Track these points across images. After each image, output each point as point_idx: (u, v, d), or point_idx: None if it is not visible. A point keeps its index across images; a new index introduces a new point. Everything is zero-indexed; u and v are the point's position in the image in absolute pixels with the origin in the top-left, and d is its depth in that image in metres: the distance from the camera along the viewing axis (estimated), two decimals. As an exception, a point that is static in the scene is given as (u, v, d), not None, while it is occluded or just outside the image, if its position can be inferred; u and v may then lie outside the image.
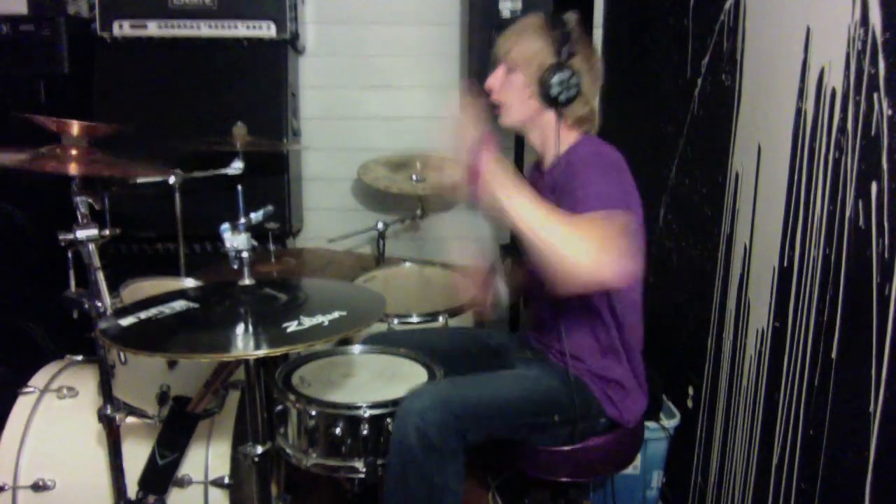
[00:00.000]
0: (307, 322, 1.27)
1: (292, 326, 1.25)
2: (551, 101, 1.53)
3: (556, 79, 1.50)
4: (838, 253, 1.31)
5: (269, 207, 1.42)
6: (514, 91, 1.58)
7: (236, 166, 2.26)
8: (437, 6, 2.95)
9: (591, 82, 1.57)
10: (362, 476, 1.46)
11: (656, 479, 2.11)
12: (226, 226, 1.36)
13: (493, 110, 1.63)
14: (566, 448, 1.58)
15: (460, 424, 1.41)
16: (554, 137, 1.58)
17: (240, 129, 2.27)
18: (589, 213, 1.34)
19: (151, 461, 1.62)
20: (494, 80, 1.61)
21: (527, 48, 1.55)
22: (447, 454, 1.39)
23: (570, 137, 1.60)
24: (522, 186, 1.34)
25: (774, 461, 1.53)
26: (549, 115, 1.57)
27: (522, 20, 1.61)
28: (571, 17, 1.56)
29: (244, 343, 1.25)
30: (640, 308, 1.64)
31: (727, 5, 1.79)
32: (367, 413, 1.45)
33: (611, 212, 1.35)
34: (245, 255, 1.37)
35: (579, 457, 1.59)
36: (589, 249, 1.25)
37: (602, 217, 1.34)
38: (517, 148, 2.74)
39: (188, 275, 2.08)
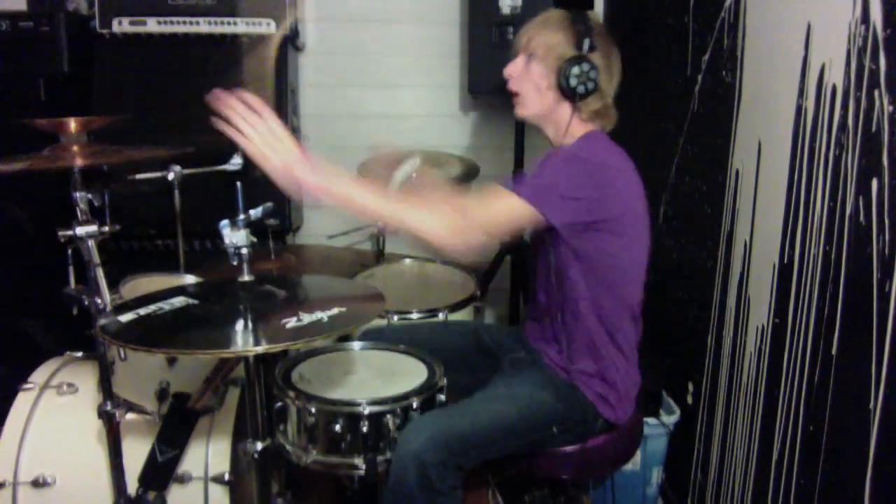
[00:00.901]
0: (307, 318, 1.27)
1: (292, 323, 1.25)
2: (568, 93, 1.53)
3: (574, 70, 1.51)
4: (838, 250, 1.31)
5: (269, 204, 1.42)
6: (532, 81, 1.58)
7: (236, 162, 2.25)
8: (437, 5, 2.94)
9: (608, 79, 1.57)
10: (362, 473, 1.46)
11: (656, 475, 2.11)
12: (225, 222, 1.36)
13: (510, 99, 1.63)
14: (566, 449, 1.58)
15: (458, 459, 1.41)
16: (567, 133, 1.58)
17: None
18: (486, 187, 1.46)
19: (151, 458, 1.61)
20: (513, 68, 1.61)
21: (548, 38, 1.55)
22: (446, 492, 1.39)
23: (582, 131, 1.60)
24: (346, 180, 1.46)
25: (774, 457, 1.53)
26: (565, 108, 1.58)
27: (546, 13, 1.61)
28: (594, 15, 1.59)
29: (244, 340, 1.25)
30: (637, 307, 1.63)
31: (727, 2, 1.79)
32: (367, 410, 1.45)
33: (502, 191, 1.44)
34: (244, 251, 1.37)
35: (579, 457, 1.59)
36: (432, 224, 1.40)
37: (485, 192, 1.45)
38: (517, 149, 2.74)
39: (188, 271, 2.08)
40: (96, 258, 1.49)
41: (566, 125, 1.58)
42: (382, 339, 1.80)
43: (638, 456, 2.03)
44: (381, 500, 1.44)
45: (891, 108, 1.17)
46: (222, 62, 2.60)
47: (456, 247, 1.40)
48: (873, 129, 1.21)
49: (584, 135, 1.59)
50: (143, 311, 1.32)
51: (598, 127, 1.61)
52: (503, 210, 1.44)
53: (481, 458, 1.46)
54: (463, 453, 1.42)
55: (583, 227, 1.48)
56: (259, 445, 1.42)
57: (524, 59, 1.59)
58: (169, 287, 1.51)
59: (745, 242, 1.69)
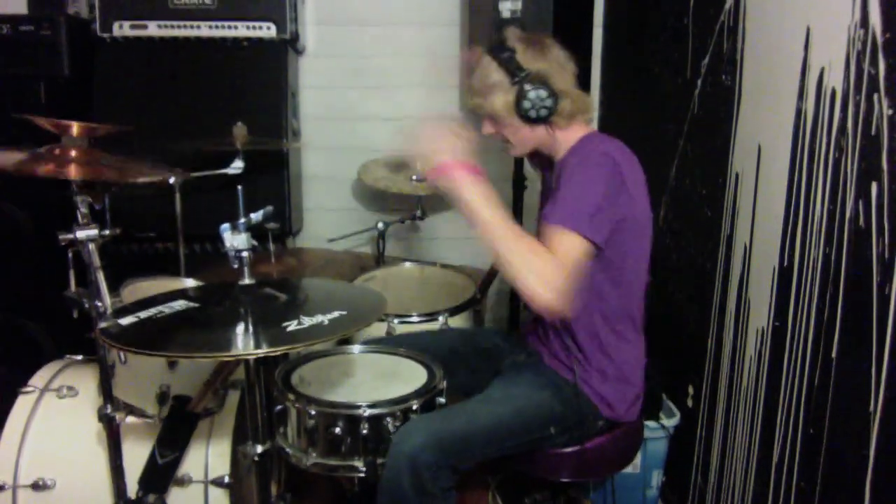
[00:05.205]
0: (307, 321, 1.27)
1: (292, 326, 1.25)
2: (540, 121, 1.55)
3: (526, 105, 1.52)
4: (838, 253, 1.31)
5: (269, 207, 1.42)
6: (510, 131, 1.61)
7: (236, 166, 2.26)
8: (437, 7, 2.95)
9: (561, 75, 1.56)
10: (362, 475, 1.46)
11: (656, 478, 2.11)
12: (226, 226, 1.36)
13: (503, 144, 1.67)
14: (565, 450, 1.58)
15: (453, 461, 1.40)
16: (561, 142, 1.61)
17: (240, 129, 2.27)
18: (550, 228, 1.40)
19: (151, 460, 1.62)
20: (488, 130, 1.64)
21: (491, 99, 1.56)
22: (439, 494, 1.39)
23: (574, 133, 1.60)
24: (495, 204, 1.42)
25: (774, 460, 1.53)
26: (549, 130, 1.59)
27: (476, 70, 1.60)
28: (510, 33, 1.57)
29: (244, 343, 1.25)
30: (641, 304, 1.64)
31: (727, 6, 1.80)
32: (367, 412, 1.45)
33: (567, 233, 1.39)
34: (245, 254, 1.38)
35: (579, 457, 1.59)
36: (536, 282, 1.32)
37: (558, 239, 1.38)
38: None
39: (188, 275, 2.08)
40: (97, 261, 1.49)
41: (557, 141, 1.61)
42: (382, 341, 1.80)
43: (638, 458, 2.03)
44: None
45: (890, 111, 1.17)
46: (223, 66, 2.61)
47: (557, 312, 1.34)
48: (873, 132, 1.21)
49: (585, 137, 1.60)
50: (143, 315, 1.32)
51: (583, 121, 1.62)
52: (576, 253, 1.39)
53: (476, 459, 1.46)
54: (457, 454, 1.41)
55: (611, 233, 1.46)
56: (259, 448, 1.42)
57: (490, 120, 1.62)
58: (169, 290, 1.51)
59: (745, 245, 1.70)
